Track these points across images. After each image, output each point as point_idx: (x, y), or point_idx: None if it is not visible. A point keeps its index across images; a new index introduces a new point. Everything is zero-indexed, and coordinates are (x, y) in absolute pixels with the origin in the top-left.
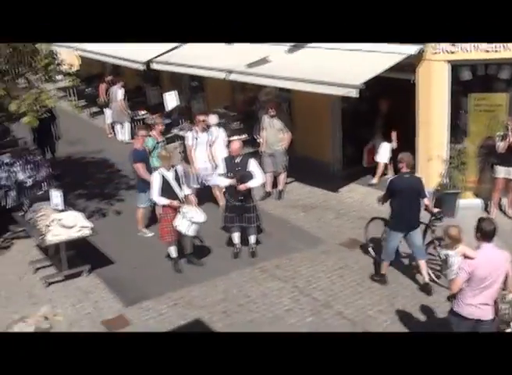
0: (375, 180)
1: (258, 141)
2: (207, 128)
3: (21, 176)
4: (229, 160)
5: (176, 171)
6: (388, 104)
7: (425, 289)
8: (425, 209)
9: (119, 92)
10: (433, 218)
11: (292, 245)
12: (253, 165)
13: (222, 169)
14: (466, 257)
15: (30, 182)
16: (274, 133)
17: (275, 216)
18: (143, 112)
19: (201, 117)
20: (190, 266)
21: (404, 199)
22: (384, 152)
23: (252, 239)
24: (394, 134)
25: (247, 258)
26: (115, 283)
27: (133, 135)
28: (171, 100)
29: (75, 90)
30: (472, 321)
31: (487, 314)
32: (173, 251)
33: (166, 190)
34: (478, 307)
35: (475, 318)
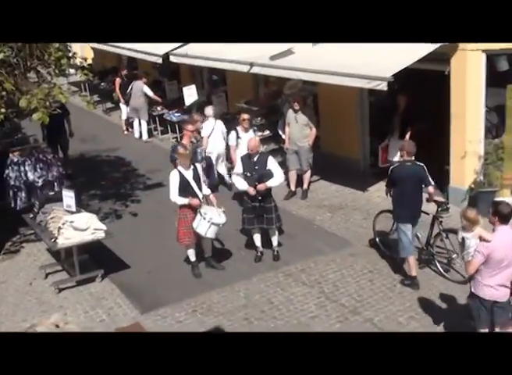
0: None
1: (282, 137)
2: (249, 127)
3: (31, 176)
4: (247, 158)
5: (195, 170)
6: (407, 99)
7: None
8: (427, 200)
9: (145, 88)
10: (440, 209)
11: (318, 248)
12: (271, 163)
13: (239, 168)
14: (482, 239)
15: (40, 182)
16: (299, 129)
17: (299, 217)
18: (160, 108)
19: (245, 116)
20: (209, 270)
21: (406, 188)
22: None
23: (274, 241)
24: (409, 132)
25: (270, 262)
26: (130, 288)
27: (150, 133)
28: (190, 95)
29: (88, 84)
30: (490, 302)
31: (504, 295)
32: (192, 254)
33: (185, 190)
34: (495, 288)
35: (493, 299)
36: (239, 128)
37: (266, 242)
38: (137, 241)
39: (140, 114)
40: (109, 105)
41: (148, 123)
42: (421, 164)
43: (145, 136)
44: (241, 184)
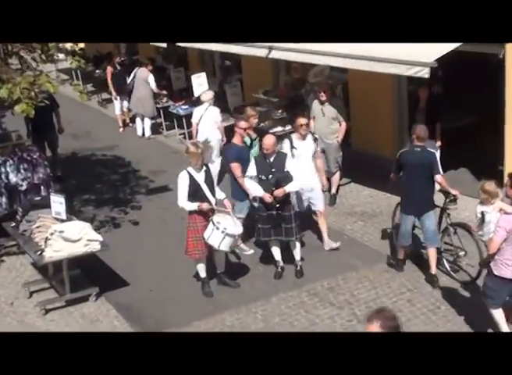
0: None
1: None
2: (308, 134)
3: (14, 179)
4: (262, 159)
5: (207, 172)
6: (429, 90)
7: (431, 281)
8: (440, 190)
9: (150, 78)
10: (447, 200)
11: (348, 262)
12: (290, 164)
13: (252, 170)
14: (504, 212)
15: (24, 185)
16: (326, 124)
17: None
18: (165, 99)
19: (302, 120)
20: (222, 288)
21: (414, 176)
22: None
23: (297, 255)
24: (438, 127)
25: (292, 279)
26: (129, 309)
27: (153, 129)
28: (199, 84)
29: (81, 72)
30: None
31: None
32: (202, 269)
33: (195, 194)
34: None
35: None
36: (294, 135)
37: (287, 256)
38: (138, 253)
39: (144, 107)
40: (105, 95)
41: (152, 118)
42: (433, 151)
43: (148, 132)
44: (255, 190)
